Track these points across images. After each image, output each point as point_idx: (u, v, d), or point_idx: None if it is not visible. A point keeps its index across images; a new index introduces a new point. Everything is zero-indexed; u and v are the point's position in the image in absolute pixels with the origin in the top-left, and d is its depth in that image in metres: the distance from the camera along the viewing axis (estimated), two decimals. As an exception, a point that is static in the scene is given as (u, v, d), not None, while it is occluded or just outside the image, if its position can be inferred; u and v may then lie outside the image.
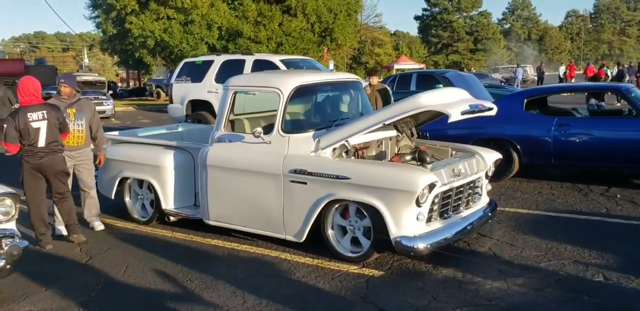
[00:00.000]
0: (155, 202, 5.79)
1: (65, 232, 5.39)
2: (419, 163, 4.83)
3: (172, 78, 11.57)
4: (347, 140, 4.69)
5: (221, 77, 10.67)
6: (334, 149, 4.76)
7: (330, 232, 4.70)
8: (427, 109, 4.48)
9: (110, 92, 20.88)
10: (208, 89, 10.72)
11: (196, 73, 11.04)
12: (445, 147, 5.41)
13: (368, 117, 4.68)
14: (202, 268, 4.59)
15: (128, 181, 6.05)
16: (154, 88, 28.17)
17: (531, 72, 42.61)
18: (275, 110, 6.06)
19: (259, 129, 4.86)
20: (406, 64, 39.15)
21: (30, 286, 4.30)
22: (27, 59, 58.57)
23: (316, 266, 4.56)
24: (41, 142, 4.88)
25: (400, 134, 5.48)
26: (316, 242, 4.73)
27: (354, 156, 4.87)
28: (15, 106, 10.98)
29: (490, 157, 5.20)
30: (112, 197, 6.08)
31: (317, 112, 5.42)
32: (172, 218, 5.78)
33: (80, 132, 5.49)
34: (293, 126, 4.96)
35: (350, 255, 4.62)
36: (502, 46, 67.63)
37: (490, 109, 4.82)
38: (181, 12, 26.77)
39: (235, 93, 5.28)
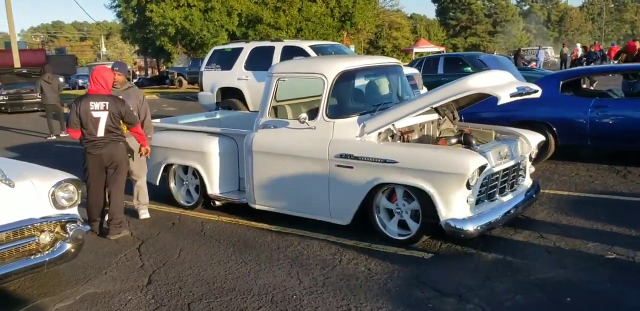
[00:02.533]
0: (201, 187, 5.92)
1: (147, 215, 5.77)
2: (465, 146, 4.87)
3: (202, 66, 11.65)
4: (393, 124, 4.74)
5: (250, 64, 10.76)
6: (379, 133, 4.82)
7: (377, 215, 4.78)
8: (475, 92, 4.50)
9: (135, 80, 21.03)
10: (238, 77, 10.79)
11: (226, 61, 11.10)
12: (488, 130, 5.43)
13: (415, 101, 4.72)
14: (253, 251, 4.72)
15: (173, 167, 6.18)
16: (175, 76, 28.31)
17: (552, 54, 41.89)
18: (315, 96, 6.16)
19: (304, 115, 4.92)
20: (426, 47, 38.76)
21: (89, 270, 4.46)
22: (48, 49, 59.25)
23: (364, 248, 4.65)
24: (100, 132, 4.97)
25: (441, 118, 5.51)
26: (360, 225, 4.82)
27: (399, 140, 4.93)
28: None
29: (534, 139, 5.22)
30: (157, 183, 6.21)
31: (360, 96, 5.47)
32: (217, 203, 5.91)
33: None
34: (337, 111, 5.01)
35: (397, 237, 4.70)
36: (521, 28, 66.50)
37: (536, 91, 4.82)
38: (201, -1, 26.77)
39: (279, 80, 5.32)
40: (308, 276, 4.12)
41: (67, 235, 3.98)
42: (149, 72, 46.59)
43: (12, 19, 24.45)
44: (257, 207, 5.46)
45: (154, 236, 5.25)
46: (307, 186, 5.03)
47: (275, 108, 5.48)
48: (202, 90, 11.51)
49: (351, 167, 4.73)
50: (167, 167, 6.19)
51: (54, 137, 12.41)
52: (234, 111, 9.17)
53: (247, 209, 5.60)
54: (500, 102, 4.37)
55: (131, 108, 5.21)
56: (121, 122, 5.12)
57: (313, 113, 5.03)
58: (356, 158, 4.69)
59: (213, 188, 5.82)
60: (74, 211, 4.14)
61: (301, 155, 5.02)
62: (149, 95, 24.98)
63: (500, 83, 4.61)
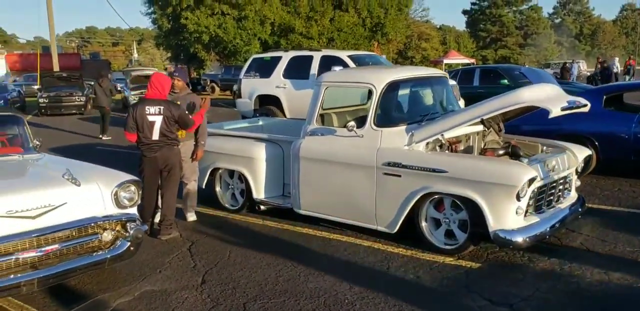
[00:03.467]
0: (246, 192, 6.06)
1: (194, 217, 5.90)
2: (512, 158, 4.92)
3: (241, 73, 11.86)
4: (442, 134, 4.81)
5: (289, 73, 10.93)
6: (428, 143, 4.89)
7: (424, 224, 4.84)
8: (527, 105, 4.55)
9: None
10: (276, 84, 10.96)
11: (264, 69, 11.30)
12: (534, 143, 5.46)
13: (465, 112, 4.79)
14: (301, 255, 4.82)
15: (219, 171, 6.34)
16: (208, 83, 28.77)
17: (584, 68, 41.30)
18: (359, 105, 6.27)
19: (352, 123, 5.03)
20: (456, 59, 38.61)
21: (144, 268, 4.61)
22: (82, 53, 60.68)
23: (411, 256, 4.72)
24: (155, 136, 5.15)
25: (486, 129, 5.56)
26: (405, 233, 4.88)
27: (447, 150, 4.99)
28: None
29: (581, 152, 5.24)
30: (204, 187, 6.36)
31: (408, 106, 5.55)
32: (262, 207, 6.04)
33: None
34: (385, 120, 5.10)
35: (444, 246, 4.75)
36: (552, 41, 65.79)
37: (585, 105, 4.85)
38: (235, 7, 27.23)
39: (327, 88, 5.45)
40: (358, 282, 4.19)
41: (127, 234, 4.14)
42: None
43: (53, 25, 25.20)
44: (302, 212, 5.57)
45: (203, 238, 5.39)
46: (353, 193, 5.12)
47: (321, 116, 5.60)
48: (240, 97, 11.71)
49: (399, 176, 4.81)
50: (214, 171, 6.35)
51: (104, 137, 13.01)
52: (276, 118, 9.33)
53: (291, 214, 5.72)
54: (551, 116, 4.41)
55: (186, 112, 5.37)
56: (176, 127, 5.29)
57: (361, 122, 5.13)
58: (404, 166, 4.77)
59: (259, 192, 5.95)
60: (134, 211, 4.30)
61: (348, 162, 5.12)
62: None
63: (551, 97, 4.65)
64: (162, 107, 5.14)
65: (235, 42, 27.14)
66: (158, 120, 5.14)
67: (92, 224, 3.98)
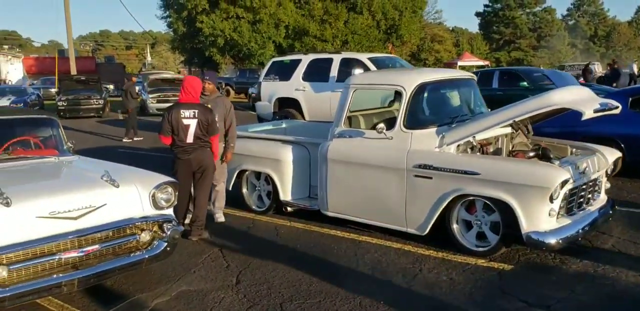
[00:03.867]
0: (273, 193, 6.11)
1: (222, 218, 5.95)
2: (543, 160, 4.92)
3: (261, 77, 11.92)
4: (473, 136, 4.83)
5: (308, 76, 10.97)
6: (459, 145, 4.91)
7: (455, 226, 4.85)
8: (559, 107, 4.56)
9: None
10: (295, 87, 11.00)
11: (284, 71, 11.34)
12: (563, 145, 5.46)
13: (497, 114, 4.80)
14: (332, 257, 4.85)
15: (246, 173, 6.39)
16: (223, 86, 28.95)
17: (599, 70, 40.98)
18: (385, 107, 6.30)
19: (382, 125, 5.06)
20: (470, 61, 38.50)
21: (178, 269, 4.67)
22: (97, 57, 61.29)
23: (442, 258, 4.73)
24: (189, 138, 5.22)
25: (514, 131, 5.56)
26: (434, 234, 4.90)
27: (479, 152, 5.00)
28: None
29: (611, 155, 5.23)
30: (230, 188, 6.42)
31: (437, 108, 5.57)
32: (289, 209, 6.08)
33: None
34: (415, 122, 5.12)
35: (475, 248, 4.76)
36: (566, 43, 65.34)
37: (617, 107, 4.84)
38: (250, 11, 27.38)
39: (356, 91, 5.48)
40: (391, 284, 4.22)
41: (164, 234, 4.20)
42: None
43: (70, 30, 25.51)
44: (330, 214, 5.60)
45: (233, 239, 5.44)
46: (382, 195, 5.15)
47: (349, 118, 5.64)
48: (260, 100, 11.78)
49: (430, 178, 4.83)
50: (241, 173, 6.41)
51: (131, 139, 13.25)
52: (298, 120, 9.37)
53: (317, 216, 5.75)
54: (584, 118, 4.41)
55: (216, 119, 5.43)
56: None
57: (390, 124, 5.16)
58: (436, 169, 4.78)
59: (285, 194, 6.00)
60: (170, 212, 4.36)
61: (377, 165, 5.15)
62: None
63: (582, 99, 4.66)
64: (196, 111, 5.21)
65: (250, 45, 27.28)
66: (192, 124, 5.21)
67: (131, 225, 4.04)
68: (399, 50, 32.53)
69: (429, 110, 5.44)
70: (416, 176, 4.91)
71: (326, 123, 7.70)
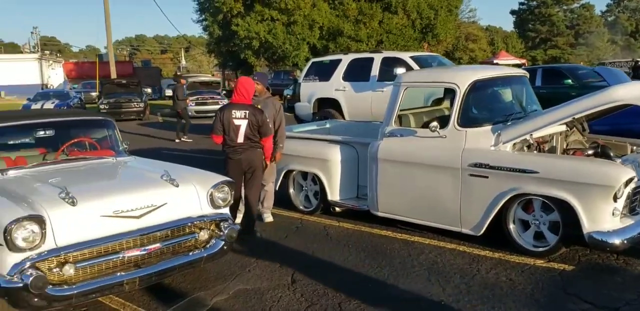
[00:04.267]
0: (321, 194, 6.10)
1: (270, 218, 5.99)
2: (602, 158, 4.78)
3: (300, 77, 11.95)
4: (531, 134, 4.72)
5: (349, 76, 10.94)
6: (515, 143, 4.81)
7: (511, 226, 4.75)
8: (623, 103, 4.42)
9: (224, 91, 21.94)
10: (336, 87, 10.98)
11: (324, 72, 11.34)
12: (622, 142, 5.29)
13: (555, 111, 4.68)
14: (385, 257, 4.80)
15: (293, 173, 6.40)
16: (258, 88, 29.18)
17: (643, 67, 39.69)
18: (431, 106, 6.22)
19: (435, 123, 4.99)
20: (506, 59, 37.76)
21: (232, 267, 4.70)
22: (134, 61, 62.64)
23: (499, 259, 4.63)
24: (240, 139, 5.27)
25: (569, 129, 5.42)
26: (488, 234, 4.80)
27: (535, 150, 4.89)
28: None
29: (674, 152, 5.04)
30: (277, 188, 6.43)
31: (491, 106, 5.47)
32: (337, 209, 6.07)
33: None
34: (469, 120, 5.04)
35: (532, 249, 4.65)
36: (605, 40, 63.61)
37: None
38: (284, 13, 27.53)
39: (407, 89, 5.43)
40: (449, 284, 4.15)
41: (221, 233, 4.23)
42: (226, 84, 48.25)
43: (110, 36, 26.10)
44: (380, 214, 5.56)
45: (283, 239, 5.45)
46: (435, 195, 5.08)
47: (399, 117, 5.58)
48: (299, 100, 11.80)
49: (486, 177, 4.74)
50: (287, 173, 6.42)
51: (184, 139, 13.59)
52: (342, 120, 9.35)
53: (366, 216, 5.72)
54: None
55: (267, 120, 5.45)
56: None
57: (443, 122, 5.09)
58: (492, 167, 4.69)
59: (333, 194, 5.98)
60: (227, 211, 4.39)
61: (431, 164, 5.08)
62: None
63: (645, 95, 4.50)
64: (247, 112, 5.25)
65: (285, 47, 27.41)
66: (243, 124, 5.25)
67: (190, 224, 4.09)
68: (434, 50, 32.19)
69: (483, 107, 5.34)
70: (471, 175, 4.82)
71: (370, 123, 7.69)
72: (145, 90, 30.29)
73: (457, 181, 4.91)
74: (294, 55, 27.79)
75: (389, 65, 10.35)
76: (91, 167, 4.63)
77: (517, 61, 38.71)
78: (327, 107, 11.24)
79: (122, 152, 5.06)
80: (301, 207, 6.41)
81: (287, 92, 19.96)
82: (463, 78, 5.09)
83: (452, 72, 5.55)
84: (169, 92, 37.92)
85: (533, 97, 5.72)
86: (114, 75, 25.77)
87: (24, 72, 35.72)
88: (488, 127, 4.92)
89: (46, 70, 39.44)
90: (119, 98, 19.88)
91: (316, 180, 6.17)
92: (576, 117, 4.68)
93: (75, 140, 4.95)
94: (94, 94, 26.22)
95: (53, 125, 4.86)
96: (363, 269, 4.55)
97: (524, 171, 4.51)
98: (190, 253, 4.10)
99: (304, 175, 6.37)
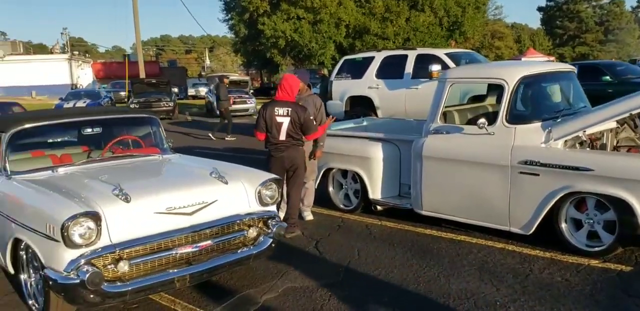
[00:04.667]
0: (362, 192, 6.03)
1: (311, 216, 5.96)
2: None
3: (332, 75, 11.89)
4: (584, 131, 4.59)
5: (382, 73, 10.85)
6: (566, 140, 4.68)
7: (563, 225, 4.62)
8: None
9: (252, 90, 22.01)
10: (369, 85, 10.90)
11: (356, 69, 11.26)
12: (676, 140, 5.11)
13: (608, 107, 4.55)
14: (433, 256, 4.72)
15: (332, 172, 6.35)
16: (284, 87, 29.21)
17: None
18: (478, 102, 6.10)
19: (483, 120, 4.89)
20: (534, 57, 37.18)
21: (278, 265, 4.66)
22: (160, 61, 63.36)
23: (551, 258, 4.52)
24: (281, 136, 5.25)
25: (619, 126, 5.26)
26: (536, 234, 4.69)
27: (588, 147, 4.76)
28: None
29: None
30: (316, 187, 6.39)
31: (540, 102, 5.34)
32: (378, 208, 6.00)
33: None
34: (518, 117, 4.93)
35: (586, 248, 4.52)
36: (636, 36, 62.19)
37: None
38: (310, 11, 27.48)
39: (452, 85, 5.33)
40: (503, 284, 4.06)
41: (269, 231, 4.19)
42: (250, 84, 48.47)
43: (139, 36, 26.36)
44: (424, 213, 5.47)
45: (326, 237, 5.41)
46: (483, 193, 4.97)
47: (443, 113, 5.49)
48: (331, 99, 11.74)
49: (537, 175, 4.62)
50: (327, 172, 6.37)
51: (228, 138, 13.68)
52: (378, 118, 9.27)
53: (408, 215, 5.64)
54: None
55: (311, 117, 5.40)
56: None
57: (490, 119, 4.98)
58: (543, 165, 4.57)
59: (375, 193, 5.91)
60: (274, 208, 4.35)
61: (478, 161, 4.97)
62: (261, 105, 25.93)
63: None
64: (290, 109, 5.21)
65: (311, 45, 27.34)
66: (285, 122, 5.21)
67: (239, 221, 4.06)
68: (461, 47, 31.85)
69: (532, 104, 5.21)
70: (521, 173, 4.71)
71: (408, 121, 7.60)
72: (173, 89, 30.64)
73: (506, 179, 4.80)
74: (320, 54, 27.69)
75: (423, 62, 10.22)
76: (139, 164, 4.64)
77: (546, 59, 38.09)
78: (360, 105, 11.17)
79: (167, 149, 5.06)
80: (341, 206, 6.36)
81: (315, 91, 19.98)
82: (511, 73, 4.97)
83: (500, 68, 5.44)
84: (191, 92, 38.43)
85: (581, 92, 5.56)
86: (142, 74, 26.04)
87: (54, 72, 36.38)
88: (538, 124, 4.80)
89: (75, 71, 40.11)
90: (148, 98, 20.07)
91: (356, 178, 6.11)
92: (633, 113, 4.52)
93: (122, 137, 4.98)
94: (123, 94, 26.53)
95: (100, 122, 4.89)
96: (411, 268, 4.48)
97: (577, 168, 4.38)
98: (239, 251, 4.06)
99: (344, 173, 6.31)
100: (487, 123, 4.87)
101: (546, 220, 4.66)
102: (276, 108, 5.24)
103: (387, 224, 5.73)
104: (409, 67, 10.39)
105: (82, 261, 3.36)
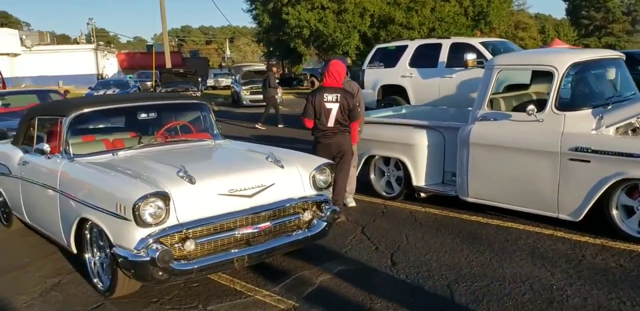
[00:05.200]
0: (405, 179, 6.08)
1: (353, 203, 6.02)
2: None
3: (364, 64, 11.90)
4: (638, 118, 4.57)
5: (416, 61, 10.83)
6: (617, 127, 4.67)
7: (614, 212, 4.63)
8: None
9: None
10: (402, 74, 10.89)
11: (389, 58, 11.25)
12: None
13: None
14: (482, 242, 4.76)
15: (374, 159, 6.40)
16: (308, 77, 29.25)
17: None
18: (521, 89, 6.08)
19: (532, 107, 4.89)
20: (560, 47, 36.62)
21: (327, 249, 4.75)
22: (183, 52, 63.70)
23: (602, 245, 4.53)
24: (330, 123, 5.33)
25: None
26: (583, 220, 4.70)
27: (641, 134, 4.74)
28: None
29: None
30: (357, 174, 6.45)
31: (589, 89, 5.32)
32: (422, 195, 6.04)
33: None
34: (568, 104, 4.92)
35: (638, 235, 4.52)
36: (665, 26, 60.80)
37: None
38: (334, 1, 27.41)
39: (500, 72, 5.33)
40: (557, 269, 4.09)
41: (322, 214, 4.27)
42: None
43: (166, 27, 26.53)
44: (470, 199, 5.50)
45: (371, 223, 5.47)
46: (531, 179, 4.98)
47: (490, 100, 5.49)
48: (363, 88, 11.73)
49: (588, 161, 4.62)
50: (368, 159, 6.42)
51: (280, 126, 13.77)
52: (417, 106, 9.27)
53: (451, 202, 5.68)
54: None
55: (357, 104, 5.45)
56: None
57: (540, 106, 4.97)
58: (595, 151, 4.57)
59: (419, 180, 5.95)
60: (327, 192, 4.43)
61: (527, 148, 4.98)
62: (285, 95, 26.02)
63: None
64: (339, 95, 5.27)
65: (335, 35, 27.29)
66: (334, 108, 5.28)
67: (295, 204, 4.14)
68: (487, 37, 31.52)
69: (582, 91, 5.19)
70: (572, 159, 4.71)
71: (447, 108, 7.62)
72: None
73: (556, 165, 4.80)
74: (344, 44, 27.63)
75: (457, 51, 10.18)
76: (194, 148, 4.75)
77: (573, 49, 37.54)
78: (392, 94, 11.17)
79: (217, 135, 5.15)
80: (383, 193, 6.41)
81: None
82: (561, 60, 4.96)
83: (549, 55, 5.42)
84: (210, 82, 38.52)
85: (630, 80, 5.52)
86: (168, 65, 26.28)
87: (80, 62, 36.86)
88: (588, 111, 4.79)
89: (101, 61, 40.59)
90: (176, 88, 20.25)
91: (399, 165, 6.15)
92: (690, 99, 4.49)
93: (175, 123, 5.08)
94: (149, 83, 26.78)
95: (155, 108, 4.99)
96: (462, 253, 4.52)
97: (631, 155, 4.37)
98: (294, 234, 4.16)
99: (386, 160, 6.36)
100: (536, 110, 4.87)
101: (594, 207, 4.66)
102: (325, 94, 5.30)
103: (432, 211, 5.77)
104: (443, 56, 10.36)
105: (151, 239, 3.47)
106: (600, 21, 59.43)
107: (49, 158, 4.50)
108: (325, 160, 4.44)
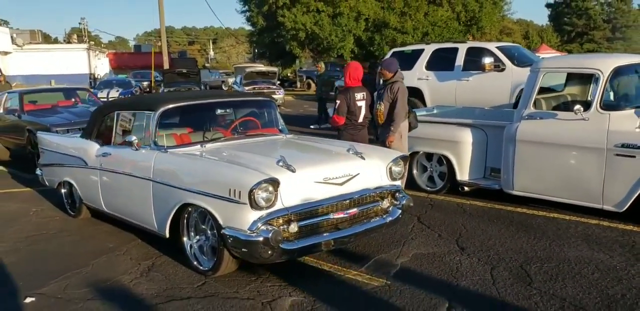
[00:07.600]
0: (449, 174, 6.47)
1: None
2: None
3: (379, 67, 12.27)
4: (676, 117, 5.02)
5: (432, 65, 11.26)
6: (660, 126, 5.11)
7: (656, 202, 5.07)
8: None
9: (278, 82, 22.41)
10: (418, 77, 11.31)
11: (405, 61, 11.58)
12: None
13: None
14: (536, 230, 5.16)
15: (417, 155, 6.79)
16: (304, 79, 29.59)
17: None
18: (557, 90, 6.52)
19: (579, 106, 5.32)
20: (547, 53, 37.60)
21: (394, 236, 5.10)
22: (171, 52, 63.38)
23: (647, 233, 4.97)
24: (360, 118, 5.99)
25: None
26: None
27: (681, 132, 5.19)
28: None
29: None
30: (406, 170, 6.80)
31: (632, 91, 5.77)
32: (465, 189, 6.43)
33: (380, 111, 6.27)
34: (612, 104, 5.36)
35: (678, 224, 4.97)
36: (643, 34, 62.58)
37: None
38: (330, 4, 27.85)
39: (545, 74, 5.75)
40: (614, 252, 4.50)
41: (397, 202, 4.63)
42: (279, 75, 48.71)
43: (164, 28, 26.62)
44: (515, 192, 5.91)
45: (424, 214, 5.84)
46: (577, 173, 5.40)
47: (535, 100, 5.90)
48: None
49: (633, 157, 5.06)
50: (411, 155, 6.79)
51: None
52: (447, 106, 9.66)
53: (492, 195, 6.08)
54: None
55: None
56: None
57: (585, 106, 5.40)
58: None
59: (463, 174, 6.35)
60: (399, 183, 4.78)
61: (574, 144, 5.40)
62: (285, 96, 26.25)
63: None
64: (364, 93, 6.01)
65: (330, 38, 27.72)
66: (363, 105, 5.99)
67: (376, 193, 4.49)
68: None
69: (624, 92, 5.64)
70: (617, 155, 5.14)
71: (475, 108, 8.03)
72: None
73: (602, 160, 5.23)
74: (339, 47, 28.09)
75: (474, 55, 10.65)
76: (272, 141, 5.07)
77: (559, 55, 38.58)
78: (409, 96, 11.51)
79: (284, 129, 5.48)
80: (424, 187, 6.80)
81: (339, 83, 20.35)
82: (606, 64, 5.40)
83: (594, 58, 5.85)
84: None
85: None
86: (166, 65, 26.35)
87: (73, 61, 36.61)
88: (631, 111, 5.23)
89: (93, 60, 40.37)
90: (179, 88, 20.38)
91: (442, 161, 6.54)
92: None
93: (246, 118, 5.39)
94: (145, 84, 26.82)
95: (231, 104, 5.30)
96: (521, 239, 4.91)
97: (676, 150, 4.82)
98: (372, 220, 4.50)
99: (429, 156, 6.74)
100: (582, 109, 5.30)
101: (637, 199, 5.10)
102: (356, 93, 5.94)
103: (476, 203, 6.17)
104: (460, 60, 10.81)
105: (261, 222, 3.79)
106: (582, 28, 60.92)
107: (136, 150, 4.77)
108: (400, 153, 4.81)
